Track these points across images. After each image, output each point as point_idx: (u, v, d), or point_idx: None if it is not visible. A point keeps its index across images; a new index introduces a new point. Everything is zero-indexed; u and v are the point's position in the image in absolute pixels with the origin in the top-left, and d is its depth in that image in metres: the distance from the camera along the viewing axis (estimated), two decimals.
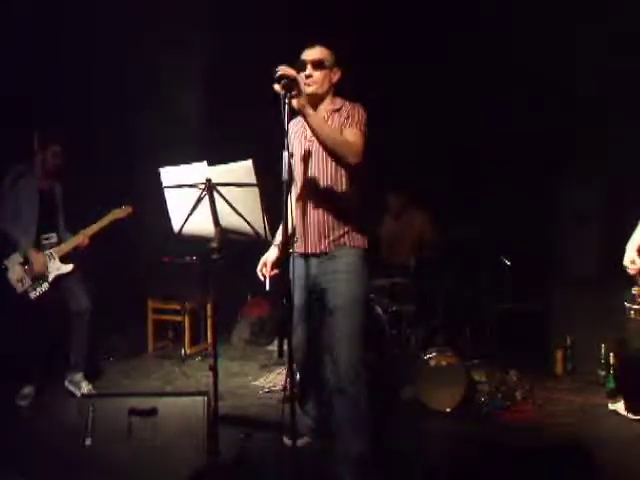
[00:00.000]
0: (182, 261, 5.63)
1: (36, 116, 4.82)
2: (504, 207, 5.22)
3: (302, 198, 2.94)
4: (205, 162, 2.78)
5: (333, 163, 2.83)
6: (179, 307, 5.58)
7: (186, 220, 2.88)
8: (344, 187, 2.89)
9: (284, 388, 3.14)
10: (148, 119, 5.54)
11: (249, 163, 2.68)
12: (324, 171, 2.87)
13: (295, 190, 2.98)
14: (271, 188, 2.69)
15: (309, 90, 2.78)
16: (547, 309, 5.12)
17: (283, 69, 2.52)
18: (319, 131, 2.68)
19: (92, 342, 4.43)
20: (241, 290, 6.10)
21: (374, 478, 2.90)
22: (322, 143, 2.73)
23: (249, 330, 6.00)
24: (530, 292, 5.08)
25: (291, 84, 2.53)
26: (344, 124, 2.84)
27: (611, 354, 4.38)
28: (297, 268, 2.92)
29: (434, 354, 4.04)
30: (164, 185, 2.89)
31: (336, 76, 2.92)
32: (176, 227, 2.93)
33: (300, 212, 2.93)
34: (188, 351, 5.51)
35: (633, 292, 3.77)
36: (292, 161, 2.94)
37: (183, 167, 2.85)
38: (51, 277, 4.19)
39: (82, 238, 4.29)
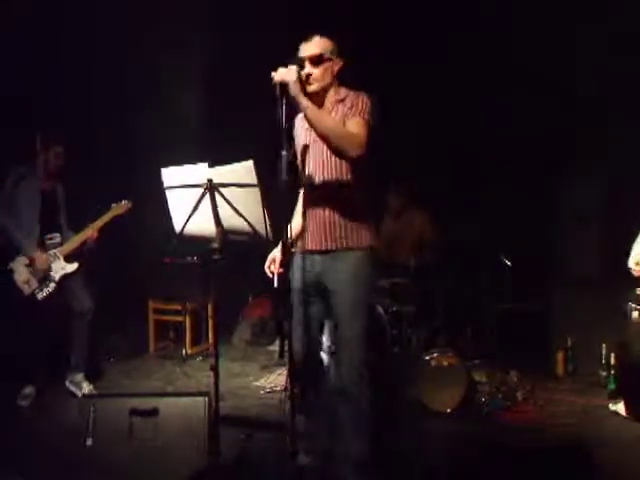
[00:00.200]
0: (183, 261, 5.63)
1: (36, 116, 4.82)
2: (504, 207, 5.22)
3: (307, 194, 2.88)
4: (206, 164, 2.78)
5: (336, 156, 2.75)
6: (180, 307, 5.58)
7: (187, 220, 2.87)
8: (349, 181, 2.80)
9: (285, 389, 3.13)
10: (148, 119, 5.53)
11: (250, 163, 2.67)
12: (328, 165, 2.79)
13: (302, 188, 2.94)
14: (274, 188, 2.68)
15: (311, 89, 2.73)
16: (547, 309, 5.11)
17: (278, 76, 2.54)
18: (316, 124, 2.64)
19: (93, 342, 4.44)
20: (242, 291, 6.11)
21: (374, 478, 2.89)
22: (321, 136, 2.67)
23: (250, 331, 5.99)
24: (530, 292, 5.08)
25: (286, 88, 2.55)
26: (347, 114, 2.75)
27: (612, 355, 4.37)
28: (300, 266, 2.87)
29: (435, 354, 4.05)
30: (165, 185, 2.89)
31: (338, 66, 2.82)
32: (177, 227, 2.93)
33: (306, 208, 2.87)
34: (189, 351, 5.51)
35: (638, 292, 3.78)
36: (297, 159, 2.91)
37: (184, 167, 2.85)
38: (57, 277, 4.20)
39: (91, 232, 4.29)
